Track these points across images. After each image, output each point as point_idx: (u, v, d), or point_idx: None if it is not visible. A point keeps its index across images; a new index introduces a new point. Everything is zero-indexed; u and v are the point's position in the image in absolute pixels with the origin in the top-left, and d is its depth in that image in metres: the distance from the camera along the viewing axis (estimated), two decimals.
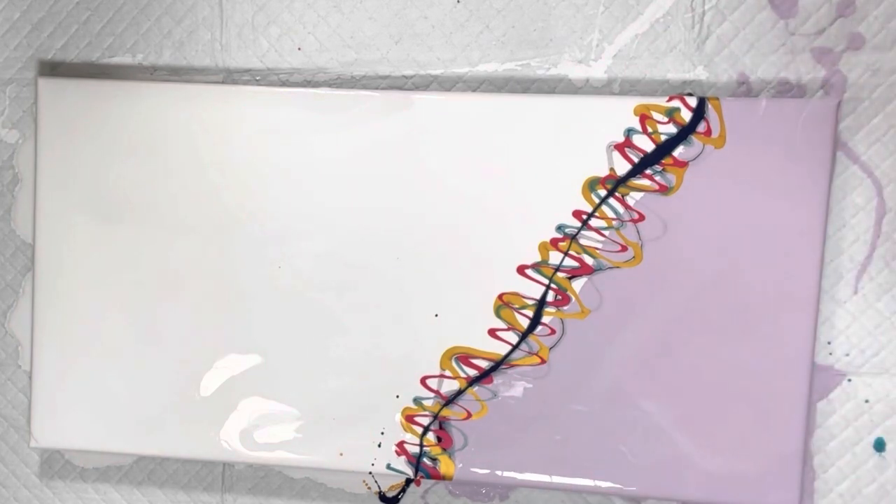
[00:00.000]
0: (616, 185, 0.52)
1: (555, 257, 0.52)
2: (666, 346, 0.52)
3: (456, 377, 0.54)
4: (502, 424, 0.54)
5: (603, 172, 0.52)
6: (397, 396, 0.54)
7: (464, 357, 0.53)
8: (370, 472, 0.55)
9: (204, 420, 0.56)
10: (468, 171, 0.53)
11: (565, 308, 0.53)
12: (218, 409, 0.55)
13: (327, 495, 0.58)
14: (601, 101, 0.52)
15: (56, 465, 0.60)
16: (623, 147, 0.51)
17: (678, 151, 0.51)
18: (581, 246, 0.52)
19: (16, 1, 0.58)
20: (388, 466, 0.55)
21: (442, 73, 0.55)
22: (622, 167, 0.52)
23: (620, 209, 0.52)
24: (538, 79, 0.54)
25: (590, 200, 0.52)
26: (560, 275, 0.52)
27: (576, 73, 0.54)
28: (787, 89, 0.52)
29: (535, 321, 0.53)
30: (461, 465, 0.54)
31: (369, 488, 0.57)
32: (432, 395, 0.54)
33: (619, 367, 0.52)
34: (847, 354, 0.53)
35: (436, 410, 0.54)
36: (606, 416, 0.53)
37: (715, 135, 0.51)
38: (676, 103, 0.51)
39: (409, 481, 0.57)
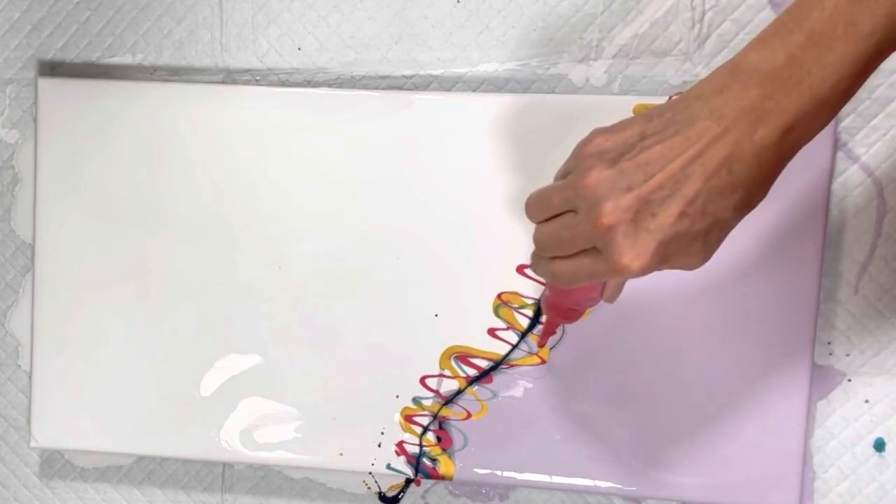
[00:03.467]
0: None
1: None
2: (666, 346, 0.52)
3: (455, 377, 0.54)
4: (502, 424, 0.54)
5: None
6: (397, 396, 0.54)
7: (463, 356, 0.53)
8: (370, 472, 0.55)
9: (204, 420, 0.55)
10: (468, 170, 0.53)
11: None
12: (218, 409, 0.55)
13: (327, 495, 0.58)
14: (601, 100, 0.52)
15: (56, 465, 0.60)
16: None
17: None
18: None
19: (16, 1, 0.58)
20: (388, 466, 0.55)
21: (442, 73, 0.55)
22: None
23: None
24: (538, 79, 0.54)
25: None
26: None
27: (576, 72, 0.54)
28: None
29: (535, 321, 0.53)
30: (461, 465, 0.54)
31: (369, 488, 0.57)
32: (432, 394, 0.54)
33: (618, 367, 0.52)
34: (847, 354, 0.53)
35: (435, 410, 0.54)
36: (606, 416, 0.53)
37: None
38: None
39: (408, 481, 0.57)
